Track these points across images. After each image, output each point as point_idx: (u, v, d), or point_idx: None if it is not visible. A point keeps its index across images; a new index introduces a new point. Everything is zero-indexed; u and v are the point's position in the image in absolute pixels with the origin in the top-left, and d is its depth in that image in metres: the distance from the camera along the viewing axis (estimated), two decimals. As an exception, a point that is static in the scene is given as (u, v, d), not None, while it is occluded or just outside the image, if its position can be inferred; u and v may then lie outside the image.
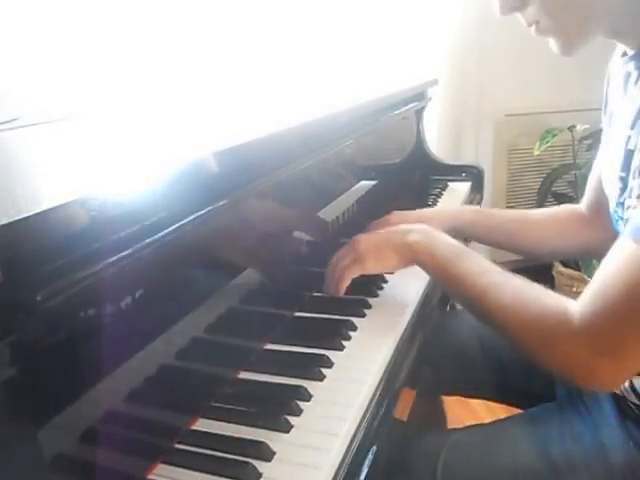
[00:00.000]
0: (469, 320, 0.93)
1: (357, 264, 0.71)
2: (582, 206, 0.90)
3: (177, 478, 0.48)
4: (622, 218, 0.68)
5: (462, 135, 1.92)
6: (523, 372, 0.86)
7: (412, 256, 0.69)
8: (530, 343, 0.58)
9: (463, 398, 1.13)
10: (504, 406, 0.92)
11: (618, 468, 0.62)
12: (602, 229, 0.84)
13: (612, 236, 0.75)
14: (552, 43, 0.65)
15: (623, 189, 0.66)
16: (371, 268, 0.72)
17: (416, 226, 0.73)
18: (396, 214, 0.91)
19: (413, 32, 1.76)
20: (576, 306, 0.54)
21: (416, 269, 0.71)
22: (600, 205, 0.84)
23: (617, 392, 0.69)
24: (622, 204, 0.67)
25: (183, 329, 0.54)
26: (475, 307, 0.64)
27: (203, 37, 1.29)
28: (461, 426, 0.76)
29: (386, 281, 0.80)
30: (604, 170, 0.75)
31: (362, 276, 0.73)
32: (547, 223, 0.91)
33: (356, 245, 0.73)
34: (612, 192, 0.70)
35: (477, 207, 0.95)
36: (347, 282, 0.72)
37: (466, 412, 1.36)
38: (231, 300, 0.62)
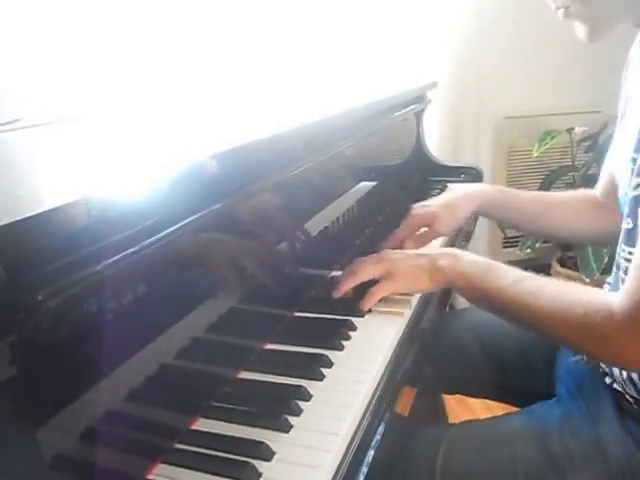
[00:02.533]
0: (469, 320, 0.94)
1: (388, 283, 0.71)
2: (596, 192, 0.91)
3: (177, 478, 0.48)
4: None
5: (462, 137, 1.92)
6: (523, 371, 0.86)
7: (443, 279, 0.70)
8: (580, 343, 0.60)
9: (462, 397, 1.13)
10: (503, 405, 0.92)
11: (616, 463, 0.63)
12: (616, 215, 0.85)
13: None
14: (578, 29, 0.66)
15: (634, 170, 0.66)
16: (402, 287, 0.72)
17: (443, 250, 0.74)
18: (420, 205, 0.91)
19: (413, 35, 1.77)
20: (617, 299, 0.56)
21: None
22: (614, 191, 0.84)
23: (616, 387, 0.70)
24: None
25: (183, 329, 0.54)
26: (516, 317, 0.65)
27: (203, 39, 1.29)
28: (459, 421, 0.77)
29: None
30: (616, 155, 0.75)
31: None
32: (565, 205, 0.93)
33: (386, 263, 0.72)
34: (623, 175, 0.70)
35: (501, 187, 0.97)
36: (376, 300, 0.71)
37: (465, 411, 1.36)
38: (231, 300, 0.62)
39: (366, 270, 0.72)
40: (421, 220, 0.89)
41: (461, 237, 1.05)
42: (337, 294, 0.73)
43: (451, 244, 1.01)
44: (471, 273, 0.69)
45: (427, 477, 0.66)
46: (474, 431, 0.73)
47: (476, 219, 1.28)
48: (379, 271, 0.72)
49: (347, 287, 0.73)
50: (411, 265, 0.72)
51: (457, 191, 0.94)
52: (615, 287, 0.76)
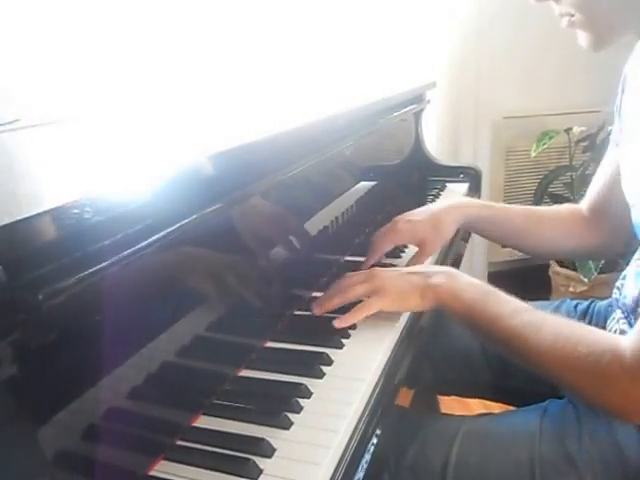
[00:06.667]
0: None
1: (377, 300, 0.68)
2: (582, 207, 0.90)
3: (179, 474, 0.48)
4: None
5: (460, 137, 1.92)
6: (525, 372, 0.85)
7: (435, 299, 0.67)
8: (580, 384, 0.57)
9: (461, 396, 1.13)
10: (501, 405, 0.92)
11: (635, 468, 0.61)
12: (603, 232, 0.84)
13: (613, 239, 0.74)
14: (581, 38, 0.64)
15: None
16: (390, 306, 0.68)
17: (438, 268, 0.71)
18: (403, 217, 0.87)
19: (412, 35, 1.77)
20: (627, 341, 0.53)
21: None
22: (603, 208, 0.84)
23: None
24: None
25: (184, 328, 0.54)
26: (511, 349, 0.62)
27: (203, 39, 1.29)
28: (472, 414, 0.75)
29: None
30: (627, 176, 0.72)
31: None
32: (551, 221, 0.90)
33: (375, 279, 0.69)
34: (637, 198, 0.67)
35: (485, 202, 0.94)
36: (360, 318, 0.68)
37: (464, 410, 1.36)
38: (232, 299, 0.62)
39: (355, 290, 0.69)
40: (407, 238, 0.86)
41: (459, 237, 1.05)
42: (319, 311, 0.70)
43: (449, 244, 1.01)
44: (467, 296, 0.65)
45: (440, 471, 0.65)
46: (490, 427, 0.71)
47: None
48: (368, 290, 0.69)
49: (333, 306, 0.69)
50: (401, 282, 0.68)
51: (441, 205, 0.91)
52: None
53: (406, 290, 0.68)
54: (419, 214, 0.89)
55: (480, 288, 0.66)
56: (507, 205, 0.94)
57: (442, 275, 0.68)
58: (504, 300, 0.64)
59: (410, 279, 0.69)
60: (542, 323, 0.60)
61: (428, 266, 0.73)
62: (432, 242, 0.84)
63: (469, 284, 0.67)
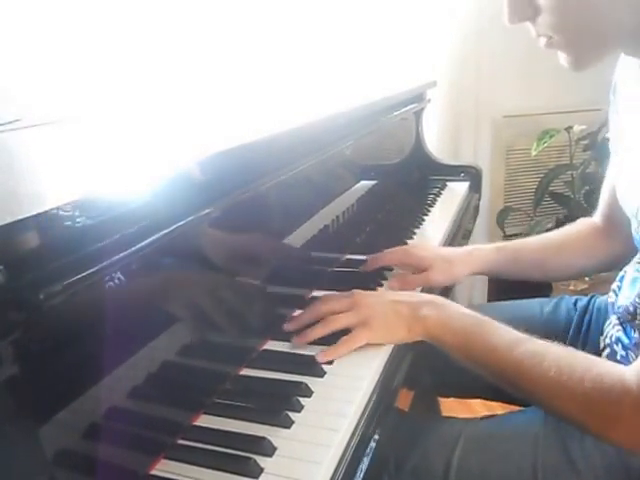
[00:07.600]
0: None
1: (362, 332, 0.64)
2: (596, 219, 0.88)
3: (180, 473, 0.48)
4: None
5: (460, 136, 1.92)
6: None
7: (424, 332, 0.64)
8: (588, 419, 0.55)
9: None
10: (502, 404, 0.92)
11: (636, 472, 0.61)
12: (620, 239, 0.82)
13: (630, 245, 0.73)
14: (562, 58, 0.63)
15: None
16: (376, 338, 0.64)
17: (426, 297, 0.68)
18: (420, 243, 0.85)
19: (413, 34, 1.77)
20: (631, 374, 0.52)
21: None
22: (616, 217, 0.82)
23: None
24: None
25: (185, 327, 0.54)
26: (510, 382, 0.60)
27: (203, 38, 1.29)
28: (477, 416, 0.74)
29: (386, 277, 0.82)
30: (621, 187, 0.71)
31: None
32: (569, 245, 0.87)
33: (361, 309, 0.65)
34: (634, 210, 0.66)
35: (498, 244, 0.89)
36: (348, 352, 0.63)
37: (465, 410, 1.36)
38: (233, 298, 0.62)
39: (338, 320, 0.65)
40: (415, 262, 0.82)
41: (460, 235, 1.05)
42: (299, 342, 0.64)
43: (450, 243, 1.01)
44: (459, 325, 0.63)
45: (442, 475, 0.64)
46: (492, 430, 0.69)
47: (475, 218, 1.29)
48: (353, 320, 0.64)
49: (314, 337, 0.64)
50: (388, 312, 0.65)
51: (458, 250, 0.89)
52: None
53: (392, 322, 0.65)
54: (436, 248, 0.89)
55: (472, 318, 0.64)
56: (521, 242, 0.91)
57: (430, 306, 0.65)
58: (501, 330, 0.62)
59: (397, 309, 0.65)
60: (545, 354, 0.57)
61: (415, 294, 0.69)
62: (438, 277, 0.81)
63: (460, 314, 0.64)
